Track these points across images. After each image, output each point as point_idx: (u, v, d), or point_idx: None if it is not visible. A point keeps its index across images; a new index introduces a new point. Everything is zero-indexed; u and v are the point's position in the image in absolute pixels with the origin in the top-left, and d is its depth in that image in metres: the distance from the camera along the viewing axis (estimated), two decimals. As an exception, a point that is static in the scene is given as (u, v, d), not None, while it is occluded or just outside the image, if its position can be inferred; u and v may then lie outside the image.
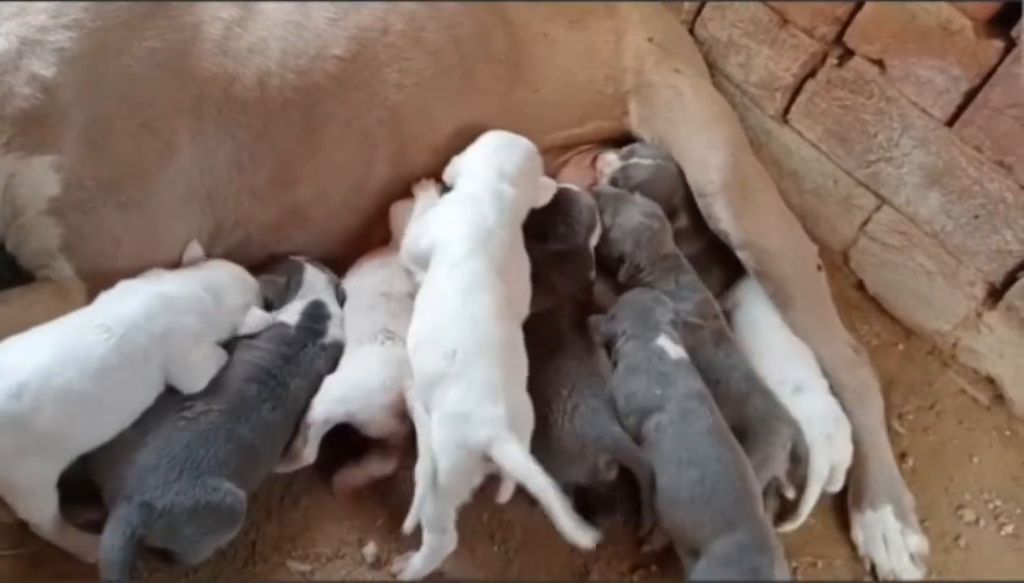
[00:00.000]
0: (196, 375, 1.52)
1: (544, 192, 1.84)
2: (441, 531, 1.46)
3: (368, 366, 1.61)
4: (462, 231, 1.62)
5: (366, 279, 1.78)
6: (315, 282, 1.75)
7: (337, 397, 1.56)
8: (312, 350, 1.64)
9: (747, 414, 1.72)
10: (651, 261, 1.90)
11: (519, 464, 1.38)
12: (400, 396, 1.56)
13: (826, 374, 1.89)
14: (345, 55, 1.74)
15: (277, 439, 1.56)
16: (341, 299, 1.77)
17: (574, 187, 1.95)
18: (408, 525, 1.46)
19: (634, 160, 2.05)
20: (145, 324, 1.45)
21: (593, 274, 1.88)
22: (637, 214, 1.93)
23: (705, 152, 2.04)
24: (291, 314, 1.69)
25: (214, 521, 1.42)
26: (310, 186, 1.76)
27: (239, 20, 1.66)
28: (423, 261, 1.65)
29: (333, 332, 1.69)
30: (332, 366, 1.65)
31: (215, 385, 1.52)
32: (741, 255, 1.97)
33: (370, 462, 1.61)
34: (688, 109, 2.11)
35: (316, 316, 1.69)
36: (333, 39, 1.73)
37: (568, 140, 2.10)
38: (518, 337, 1.58)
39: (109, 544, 1.32)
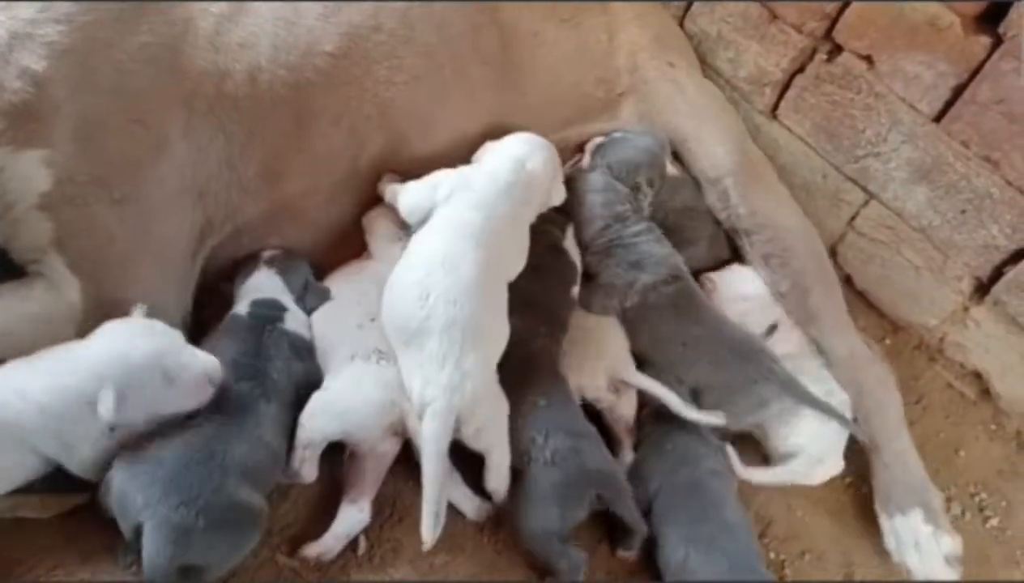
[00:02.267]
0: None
1: (556, 196, 1.87)
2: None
3: (366, 385, 1.59)
4: (475, 186, 1.72)
5: (348, 295, 1.75)
6: (263, 285, 1.71)
7: (335, 413, 1.55)
8: (273, 334, 1.62)
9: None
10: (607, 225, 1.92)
11: (425, 444, 1.48)
12: (397, 417, 1.57)
13: (840, 371, 1.91)
14: (336, 51, 1.74)
15: (281, 429, 1.54)
16: (317, 296, 1.74)
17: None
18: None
19: (612, 135, 2.05)
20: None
21: (575, 290, 1.88)
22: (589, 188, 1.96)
23: (715, 141, 2.07)
24: (241, 307, 1.68)
25: (241, 530, 1.42)
26: (300, 181, 1.76)
27: (230, 16, 1.65)
28: (420, 214, 1.72)
29: (292, 325, 1.67)
30: (298, 356, 1.63)
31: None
32: (756, 240, 1.98)
33: (341, 520, 1.57)
34: (692, 101, 2.13)
35: (267, 305, 1.67)
36: (324, 35, 1.73)
37: (556, 140, 2.09)
38: (501, 298, 1.65)
39: (154, 565, 1.30)
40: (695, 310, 1.86)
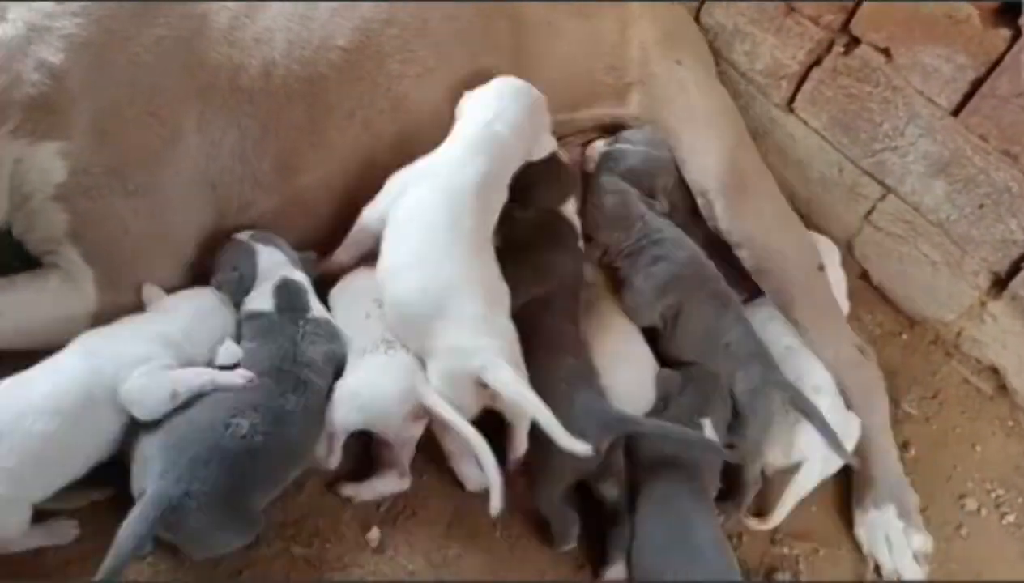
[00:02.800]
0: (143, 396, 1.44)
1: (542, 148, 1.86)
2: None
3: (383, 375, 1.59)
4: (449, 158, 1.73)
5: (354, 286, 1.75)
6: (272, 262, 1.67)
7: (357, 405, 1.55)
8: (306, 331, 1.60)
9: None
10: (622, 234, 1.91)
11: (511, 387, 1.49)
12: (416, 402, 1.57)
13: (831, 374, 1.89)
14: (349, 46, 1.74)
15: (313, 424, 1.54)
16: (314, 277, 1.72)
17: (560, 153, 1.96)
18: (495, 504, 1.48)
19: (617, 146, 2.03)
20: (87, 402, 1.40)
21: (580, 244, 1.88)
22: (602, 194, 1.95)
23: (705, 151, 2.05)
24: (263, 301, 1.63)
25: (233, 532, 1.45)
26: (313, 175, 1.76)
27: (246, 10, 1.66)
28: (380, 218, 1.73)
29: (315, 306, 1.66)
30: (329, 340, 1.63)
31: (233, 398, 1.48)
32: (740, 254, 1.97)
33: (385, 480, 1.63)
34: (692, 104, 2.11)
35: (291, 293, 1.65)
36: (338, 30, 1.74)
37: (562, 125, 2.08)
38: (494, 265, 1.67)
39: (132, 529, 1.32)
40: (733, 307, 1.84)
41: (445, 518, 1.66)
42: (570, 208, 1.91)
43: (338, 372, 1.62)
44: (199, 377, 1.47)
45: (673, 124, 2.09)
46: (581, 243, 1.89)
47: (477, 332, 1.54)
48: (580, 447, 1.46)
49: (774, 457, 1.76)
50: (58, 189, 1.49)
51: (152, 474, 1.36)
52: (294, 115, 1.70)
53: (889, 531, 1.78)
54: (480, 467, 1.52)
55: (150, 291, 1.60)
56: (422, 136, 1.84)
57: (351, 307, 1.70)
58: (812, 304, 1.96)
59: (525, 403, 1.49)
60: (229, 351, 1.56)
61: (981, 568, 1.79)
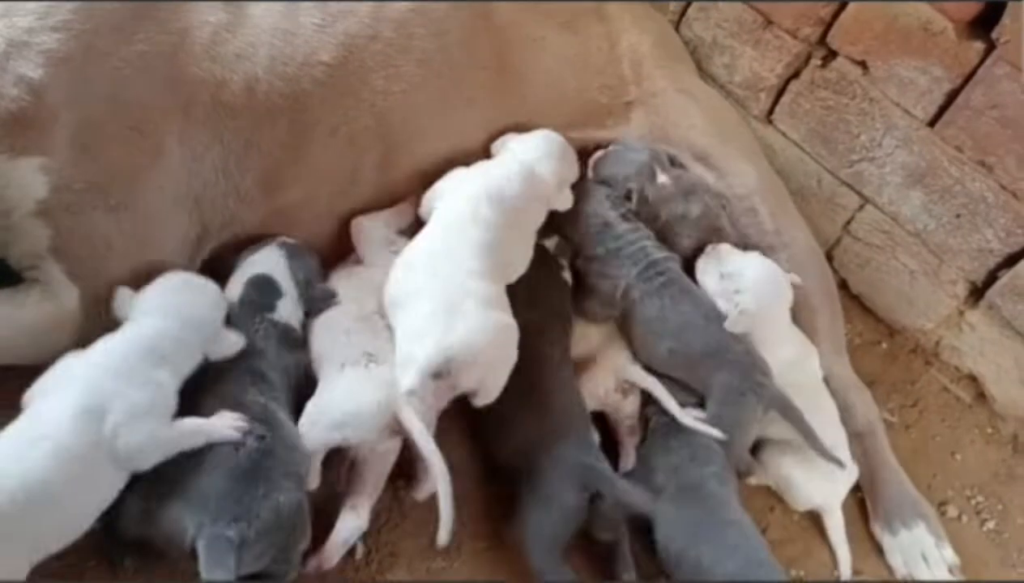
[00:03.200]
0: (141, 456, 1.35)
1: (565, 199, 1.89)
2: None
3: (360, 390, 1.57)
4: (475, 186, 1.76)
5: (339, 301, 1.73)
6: (265, 261, 1.67)
7: (333, 423, 1.54)
8: (262, 327, 1.59)
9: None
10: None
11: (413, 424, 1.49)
12: (392, 415, 1.55)
13: (835, 392, 1.91)
14: (333, 61, 1.73)
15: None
16: (322, 298, 1.71)
17: None
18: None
19: (605, 151, 2.05)
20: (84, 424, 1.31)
21: (566, 275, 1.89)
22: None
23: (736, 158, 2.07)
24: (234, 287, 1.64)
25: (292, 529, 1.41)
26: (297, 190, 1.76)
27: (227, 25, 1.65)
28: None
29: (284, 313, 1.64)
30: (288, 347, 1.61)
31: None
32: (776, 257, 1.97)
33: (341, 528, 1.55)
34: (708, 114, 2.13)
35: (261, 286, 1.64)
36: (321, 45, 1.73)
37: None
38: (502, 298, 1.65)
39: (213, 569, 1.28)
40: (683, 303, 1.82)
41: (429, 529, 1.63)
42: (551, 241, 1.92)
43: (299, 387, 1.60)
44: (194, 437, 1.39)
45: (694, 138, 2.09)
46: (567, 274, 1.90)
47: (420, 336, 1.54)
48: (442, 537, 1.46)
49: (791, 500, 1.81)
50: (39, 205, 1.48)
51: (196, 526, 1.32)
52: (277, 131, 1.69)
53: (924, 549, 1.78)
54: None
55: (121, 298, 1.53)
56: (407, 153, 1.85)
57: (333, 321, 1.69)
58: (833, 314, 2.00)
59: (422, 447, 1.49)
60: (229, 342, 1.53)
61: (962, 575, 1.80)
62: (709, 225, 1.99)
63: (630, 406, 1.81)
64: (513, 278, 1.73)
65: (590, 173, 2.04)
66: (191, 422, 1.40)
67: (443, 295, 1.57)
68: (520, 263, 1.76)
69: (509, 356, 1.59)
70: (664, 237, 1.96)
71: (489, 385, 1.58)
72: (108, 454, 1.30)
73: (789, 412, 1.74)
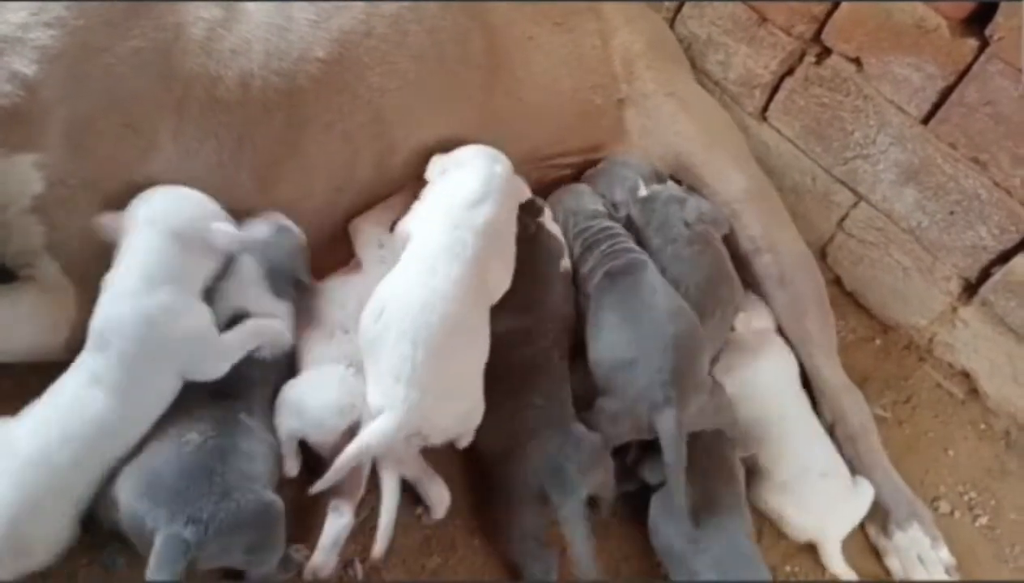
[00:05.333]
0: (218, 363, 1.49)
1: (523, 188, 1.86)
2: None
3: (326, 387, 1.58)
4: (439, 213, 1.68)
5: (326, 305, 1.72)
6: (240, 287, 1.63)
7: (295, 411, 1.55)
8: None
9: None
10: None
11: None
12: (356, 421, 1.55)
13: (826, 396, 1.92)
14: (328, 58, 1.73)
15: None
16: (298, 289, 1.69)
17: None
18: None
19: (596, 168, 2.08)
20: (138, 356, 1.41)
21: (564, 263, 1.86)
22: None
23: (728, 165, 2.07)
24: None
25: (257, 528, 1.40)
26: (292, 187, 1.75)
27: (222, 21, 1.65)
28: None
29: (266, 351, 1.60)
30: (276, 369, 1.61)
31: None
32: (764, 260, 1.99)
33: (328, 532, 1.54)
34: (697, 119, 2.12)
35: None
36: (316, 41, 1.72)
37: (554, 149, 2.10)
38: (481, 321, 1.61)
39: (160, 569, 1.27)
40: (633, 302, 1.75)
41: (424, 528, 1.65)
42: (547, 219, 1.90)
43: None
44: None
45: (681, 144, 2.10)
46: (566, 262, 1.87)
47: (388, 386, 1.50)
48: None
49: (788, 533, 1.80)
50: (35, 201, 1.48)
51: (152, 523, 1.32)
52: (272, 127, 1.69)
53: (921, 550, 1.78)
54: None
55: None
56: (403, 149, 1.85)
57: (319, 322, 1.69)
58: (823, 318, 2.00)
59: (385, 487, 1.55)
60: (225, 235, 1.56)
61: (959, 574, 1.80)
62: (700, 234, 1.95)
63: None
64: (497, 297, 1.68)
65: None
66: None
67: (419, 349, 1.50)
68: (503, 281, 1.71)
69: (476, 412, 1.58)
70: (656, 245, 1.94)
71: (464, 435, 1.60)
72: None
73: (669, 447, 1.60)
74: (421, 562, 1.61)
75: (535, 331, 1.74)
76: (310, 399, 1.56)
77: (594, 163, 2.12)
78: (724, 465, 1.70)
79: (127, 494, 1.35)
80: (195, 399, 1.47)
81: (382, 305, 1.54)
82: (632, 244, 1.88)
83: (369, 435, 1.48)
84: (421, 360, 1.48)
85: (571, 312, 1.82)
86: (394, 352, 1.49)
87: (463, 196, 1.69)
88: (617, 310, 1.74)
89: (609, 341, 1.72)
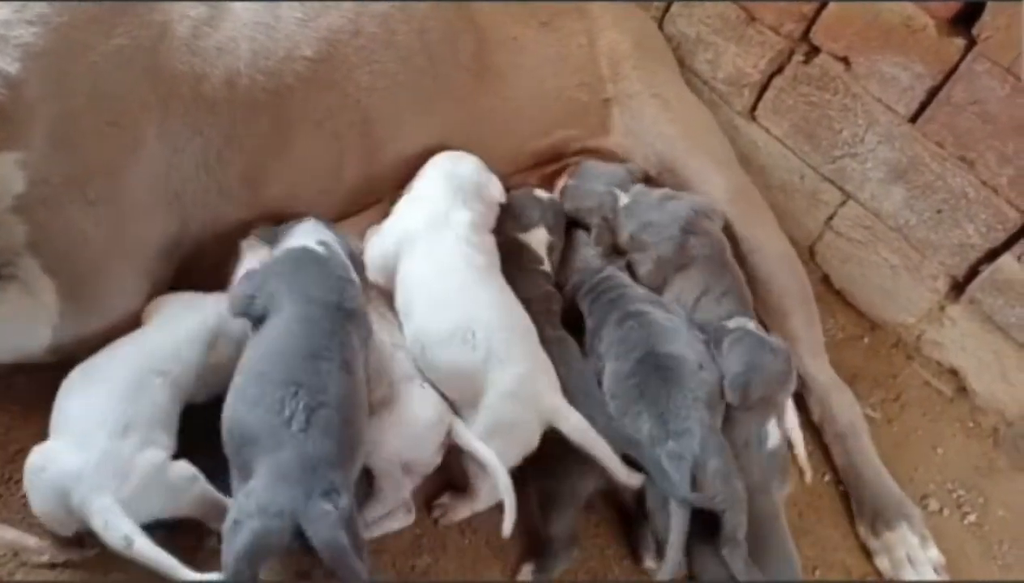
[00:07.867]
0: None
1: (496, 188, 1.87)
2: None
3: (419, 410, 1.57)
4: (422, 216, 1.75)
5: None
6: (318, 231, 1.67)
7: (403, 441, 1.55)
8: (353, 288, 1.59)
9: None
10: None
11: (579, 433, 1.55)
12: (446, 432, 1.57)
13: (813, 394, 1.93)
14: (315, 56, 1.72)
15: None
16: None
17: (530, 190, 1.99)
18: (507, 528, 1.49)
19: (569, 182, 2.04)
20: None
21: (546, 267, 1.88)
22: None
23: (710, 169, 2.07)
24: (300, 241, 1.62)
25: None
26: (280, 186, 1.74)
27: (208, 19, 1.64)
28: (392, 266, 1.72)
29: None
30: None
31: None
32: (752, 260, 1.99)
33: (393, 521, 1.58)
34: (680, 121, 2.12)
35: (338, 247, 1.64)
36: (303, 40, 1.72)
37: (541, 148, 2.10)
38: (511, 296, 1.70)
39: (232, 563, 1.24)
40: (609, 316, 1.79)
41: (414, 528, 1.64)
42: (537, 236, 1.90)
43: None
44: None
45: (663, 146, 2.09)
46: (547, 266, 1.89)
47: (534, 375, 1.58)
48: (635, 479, 1.55)
49: None
50: (17, 200, 1.46)
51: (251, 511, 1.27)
52: (259, 125, 1.68)
53: (909, 550, 1.77)
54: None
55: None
56: (391, 149, 1.84)
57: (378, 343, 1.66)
58: (809, 317, 2.00)
59: (590, 444, 1.55)
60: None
61: (947, 574, 1.80)
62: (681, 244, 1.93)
63: None
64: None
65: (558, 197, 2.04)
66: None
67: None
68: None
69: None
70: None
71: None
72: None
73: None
74: (411, 562, 1.60)
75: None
76: (412, 427, 1.55)
77: (578, 159, 2.12)
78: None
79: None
80: None
81: (465, 329, 1.58)
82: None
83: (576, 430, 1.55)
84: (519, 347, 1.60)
85: (552, 290, 1.86)
86: (508, 367, 1.56)
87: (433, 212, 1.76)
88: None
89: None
